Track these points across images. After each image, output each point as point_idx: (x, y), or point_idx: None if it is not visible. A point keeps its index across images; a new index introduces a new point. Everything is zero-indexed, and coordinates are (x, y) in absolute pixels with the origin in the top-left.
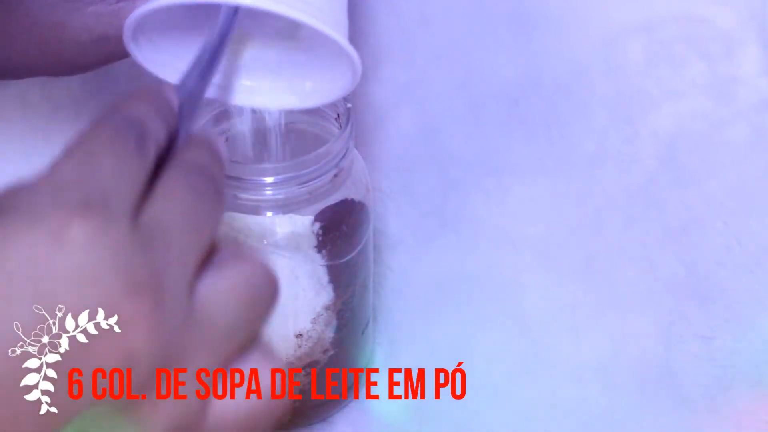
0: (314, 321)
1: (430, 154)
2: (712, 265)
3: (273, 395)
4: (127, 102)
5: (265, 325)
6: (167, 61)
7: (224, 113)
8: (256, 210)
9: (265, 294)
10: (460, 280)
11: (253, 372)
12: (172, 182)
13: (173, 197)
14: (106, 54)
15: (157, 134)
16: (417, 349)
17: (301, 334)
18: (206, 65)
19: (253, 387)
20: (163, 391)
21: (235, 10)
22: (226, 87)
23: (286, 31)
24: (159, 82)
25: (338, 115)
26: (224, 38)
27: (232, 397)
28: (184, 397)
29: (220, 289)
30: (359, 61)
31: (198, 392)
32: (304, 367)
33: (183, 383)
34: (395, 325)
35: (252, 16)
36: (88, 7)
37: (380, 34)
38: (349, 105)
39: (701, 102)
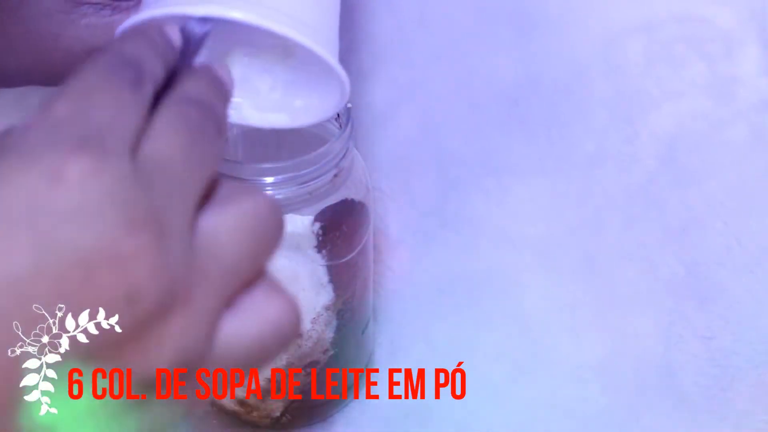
0: (314, 321)
1: (430, 154)
2: (712, 265)
3: (280, 323)
4: (124, 39)
5: (270, 259)
6: None
7: None
8: None
9: (270, 227)
10: (460, 280)
11: (260, 301)
12: (169, 116)
13: (170, 132)
14: None
15: (154, 70)
16: (417, 349)
17: (301, 334)
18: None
19: (262, 317)
20: (168, 326)
21: None
22: None
23: (276, 49)
24: (157, 27)
25: (338, 115)
26: None
27: (239, 324)
28: (189, 330)
29: (223, 224)
30: (347, 80)
31: (203, 325)
32: (304, 367)
33: (188, 317)
34: (395, 325)
35: (242, 32)
36: (81, 19)
37: (380, 34)
38: (349, 105)
39: (701, 102)
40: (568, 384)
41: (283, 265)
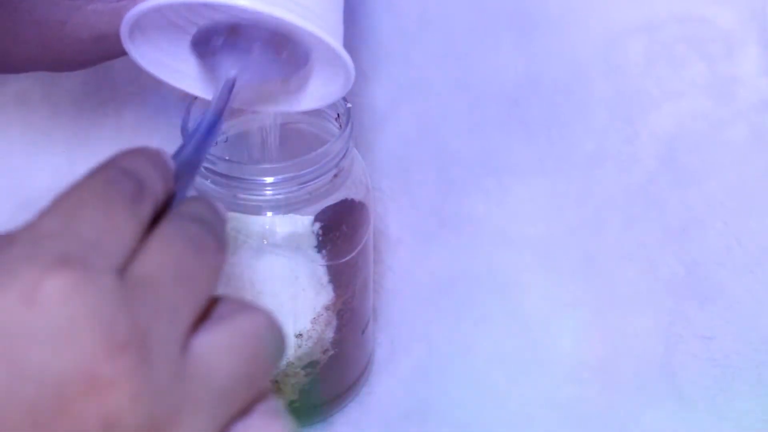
0: (314, 321)
1: (430, 154)
2: (712, 265)
3: None
4: (126, 154)
5: (269, 379)
6: (165, 60)
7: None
8: (256, 210)
9: (270, 346)
10: (460, 280)
11: (257, 429)
12: (166, 233)
13: (167, 249)
14: (107, 51)
15: (155, 188)
16: (417, 349)
17: (301, 334)
18: (202, 139)
19: None
20: None
21: (233, 84)
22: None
23: (282, 34)
24: (155, 149)
25: (338, 115)
26: (221, 111)
27: None
28: None
29: (217, 345)
30: (352, 65)
31: None
32: (304, 367)
33: None
34: (395, 325)
35: (244, 61)
36: (88, 5)
37: (380, 34)
38: (349, 105)
39: (701, 102)
40: (567, 384)
41: (283, 265)
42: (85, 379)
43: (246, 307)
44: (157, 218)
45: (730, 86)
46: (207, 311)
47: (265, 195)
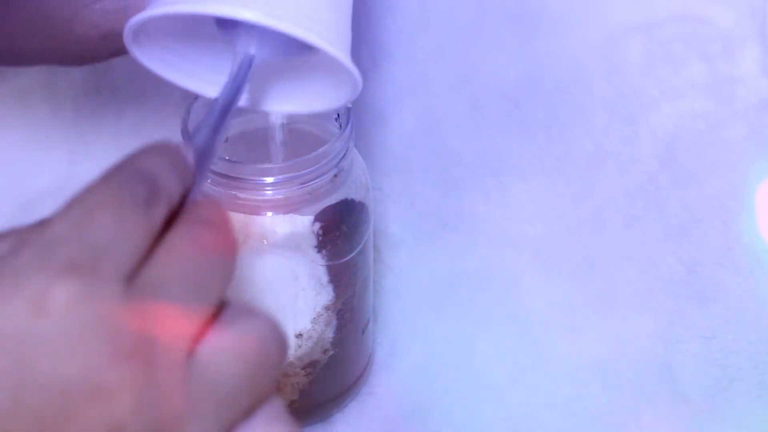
0: (314, 321)
1: (430, 154)
2: (712, 265)
3: None
4: (142, 155)
5: (273, 384)
6: (173, 61)
7: None
8: (256, 210)
9: (273, 352)
10: (460, 280)
11: None
12: (176, 239)
13: (176, 255)
14: (113, 49)
15: (171, 191)
16: (417, 349)
17: (301, 334)
18: (218, 119)
19: None
20: None
21: (250, 62)
22: None
23: (292, 42)
24: (171, 140)
25: (338, 115)
26: (238, 92)
27: None
28: None
29: (222, 350)
30: (360, 77)
31: None
32: (304, 367)
33: None
34: (395, 325)
35: (260, 38)
36: (95, 3)
37: (380, 34)
38: (349, 105)
39: (701, 102)
40: (568, 384)
41: (283, 265)
42: (91, 387)
43: (250, 313)
44: (173, 214)
45: (729, 86)
46: (214, 315)
47: (265, 195)
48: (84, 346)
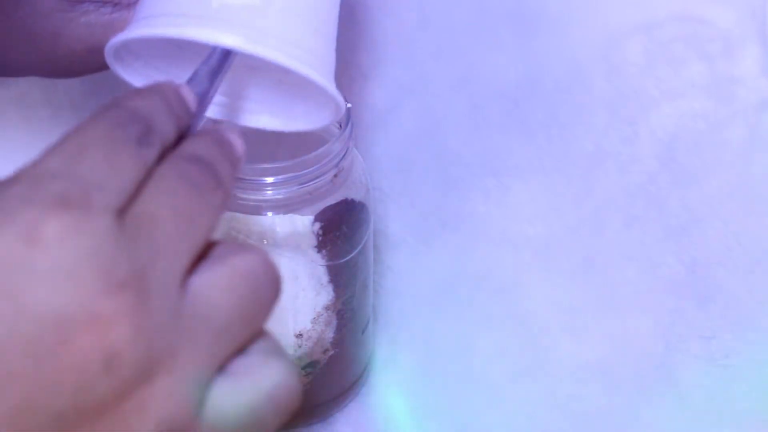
0: (314, 321)
1: (430, 154)
2: (712, 265)
3: (276, 392)
4: (139, 93)
5: (267, 320)
6: (155, 77)
7: None
8: (256, 210)
9: (266, 287)
10: (460, 280)
11: (256, 365)
12: (166, 174)
13: (166, 189)
14: (100, 63)
15: (165, 130)
16: (417, 349)
17: (301, 334)
18: (216, 66)
19: (258, 381)
20: (152, 392)
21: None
22: (221, 105)
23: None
24: (174, 87)
25: None
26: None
27: (231, 391)
28: (174, 397)
29: (215, 284)
30: (342, 101)
31: (190, 391)
32: (304, 367)
33: (173, 383)
34: (395, 325)
35: None
36: (81, 18)
37: (380, 35)
38: (349, 105)
39: (701, 102)
40: (568, 384)
41: (283, 265)
42: (86, 316)
43: (243, 247)
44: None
45: (729, 86)
46: (205, 252)
47: (265, 195)
48: (77, 276)
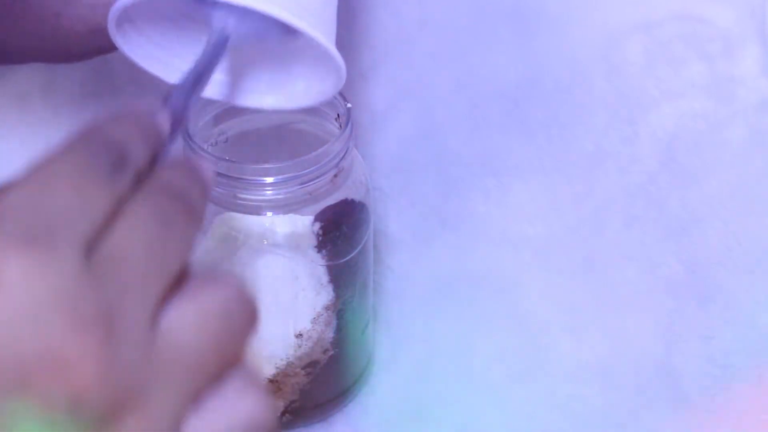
0: (314, 321)
1: (430, 154)
2: (712, 265)
3: (252, 425)
4: (110, 122)
5: (245, 350)
6: (158, 54)
7: (224, 113)
8: (256, 210)
9: (240, 319)
10: (460, 280)
11: (230, 398)
12: (136, 207)
13: (135, 224)
14: (102, 44)
15: (138, 160)
16: (417, 349)
17: (301, 334)
18: (192, 86)
19: (232, 415)
20: (123, 431)
21: (227, 38)
22: (220, 84)
23: (275, 32)
24: (148, 104)
25: (338, 115)
26: (211, 63)
27: (206, 426)
28: None
29: (186, 319)
30: (343, 64)
31: (162, 429)
32: (304, 367)
33: (144, 421)
34: (395, 325)
35: (239, 16)
36: None
37: (380, 35)
38: (349, 105)
39: (701, 102)
40: (567, 384)
41: (283, 265)
42: (49, 358)
43: (215, 281)
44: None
45: (729, 86)
46: (180, 282)
47: (265, 195)
48: (40, 318)
